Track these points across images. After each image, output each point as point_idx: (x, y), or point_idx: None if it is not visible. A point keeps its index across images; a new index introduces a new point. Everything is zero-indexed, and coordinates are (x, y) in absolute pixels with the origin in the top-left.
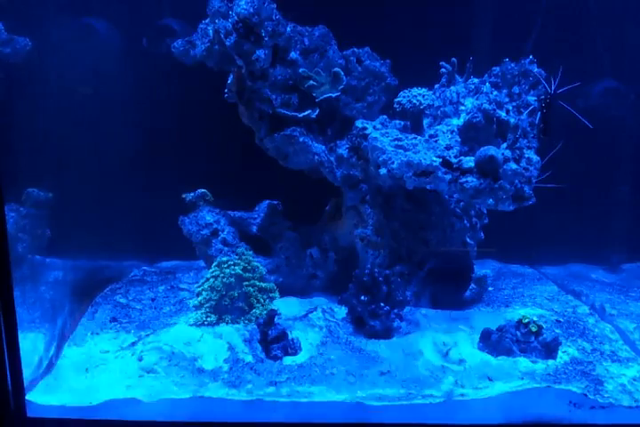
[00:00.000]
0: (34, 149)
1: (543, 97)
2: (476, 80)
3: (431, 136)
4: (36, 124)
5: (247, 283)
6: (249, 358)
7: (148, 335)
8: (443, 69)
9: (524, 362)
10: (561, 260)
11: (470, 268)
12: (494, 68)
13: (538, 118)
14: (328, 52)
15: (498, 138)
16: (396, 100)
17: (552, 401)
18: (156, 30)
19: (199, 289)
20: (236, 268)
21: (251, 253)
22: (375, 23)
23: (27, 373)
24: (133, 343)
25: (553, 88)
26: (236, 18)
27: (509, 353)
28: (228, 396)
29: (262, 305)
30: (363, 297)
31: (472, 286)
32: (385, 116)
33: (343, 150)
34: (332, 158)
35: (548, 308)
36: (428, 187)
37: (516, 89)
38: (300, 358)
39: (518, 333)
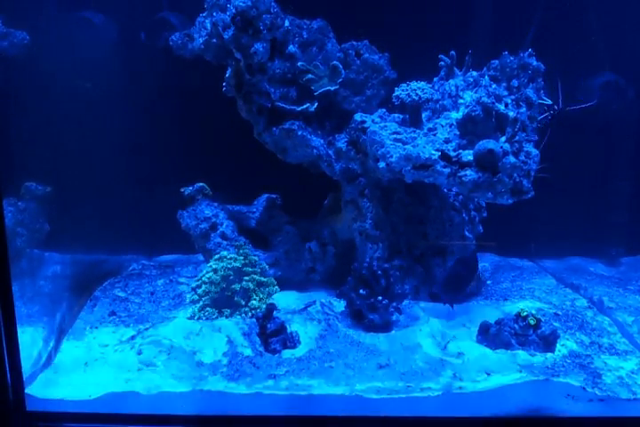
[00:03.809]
0: (32, 143)
1: (550, 114)
2: (474, 73)
3: (430, 130)
4: (34, 117)
5: (247, 278)
6: (248, 352)
7: (147, 329)
8: (441, 62)
9: (522, 355)
10: (560, 253)
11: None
12: (493, 61)
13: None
14: (326, 46)
15: (497, 131)
16: (395, 93)
17: (550, 394)
18: (154, 24)
19: (199, 282)
20: (236, 262)
21: (249, 246)
22: (374, 16)
23: (26, 367)
24: (132, 337)
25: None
26: (233, 11)
27: (508, 346)
28: (227, 389)
29: (261, 299)
30: (361, 291)
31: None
32: (384, 110)
33: (342, 144)
34: (330, 152)
35: (547, 301)
36: (426, 180)
37: (514, 82)
38: (299, 351)
39: (517, 326)
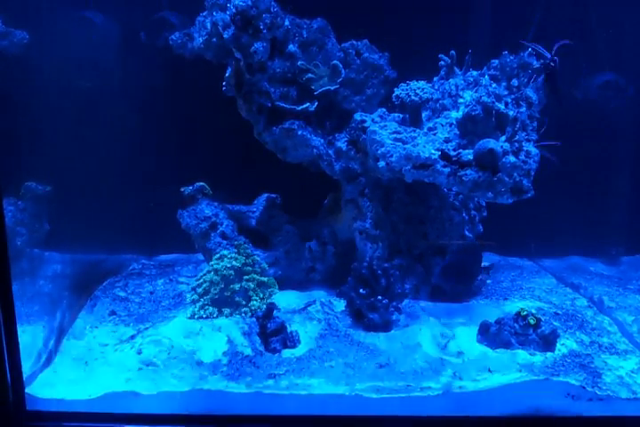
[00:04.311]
0: (32, 143)
1: (543, 64)
2: (474, 73)
3: (430, 129)
4: (34, 117)
5: (247, 277)
6: (248, 351)
7: (147, 328)
8: (441, 62)
9: (522, 354)
10: (560, 252)
11: (479, 261)
12: (493, 60)
13: (545, 87)
14: (327, 45)
15: (497, 131)
16: (395, 93)
17: (550, 393)
18: (154, 23)
19: (199, 282)
20: (236, 261)
21: (249, 246)
22: (374, 16)
23: (26, 366)
24: (132, 336)
25: (551, 54)
26: (233, 10)
27: (508, 346)
28: (227, 389)
29: (261, 298)
30: (361, 290)
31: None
32: (384, 109)
33: (342, 143)
34: (330, 152)
35: (547, 300)
36: (426, 180)
37: (514, 82)
38: (299, 350)
39: (517, 325)
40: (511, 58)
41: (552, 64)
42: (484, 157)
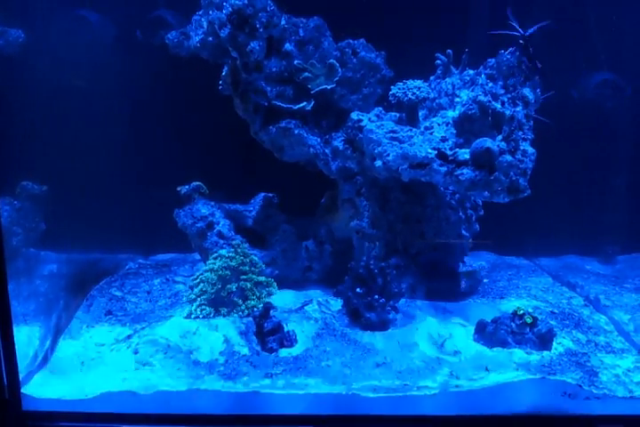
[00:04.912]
0: (28, 142)
1: (521, 41)
2: (471, 72)
3: (426, 128)
4: (30, 116)
5: (244, 276)
6: (245, 351)
7: (143, 328)
8: (438, 61)
9: (518, 353)
10: (556, 251)
11: (456, 259)
12: (489, 59)
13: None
14: (323, 44)
15: (493, 130)
16: (392, 92)
17: (547, 392)
18: (150, 22)
19: (196, 281)
20: (233, 261)
21: (246, 245)
22: (371, 15)
23: (22, 366)
24: (129, 336)
25: (522, 31)
26: (230, 9)
27: (504, 345)
28: (223, 388)
29: (258, 298)
30: (358, 289)
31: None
32: (380, 108)
33: (338, 143)
34: (327, 151)
35: (543, 299)
36: (423, 179)
37: (511, 81)
38: (296, 350)
39: (513, 324)
40: (508, 57)
41: (527, 36)
42: (481, 156)
